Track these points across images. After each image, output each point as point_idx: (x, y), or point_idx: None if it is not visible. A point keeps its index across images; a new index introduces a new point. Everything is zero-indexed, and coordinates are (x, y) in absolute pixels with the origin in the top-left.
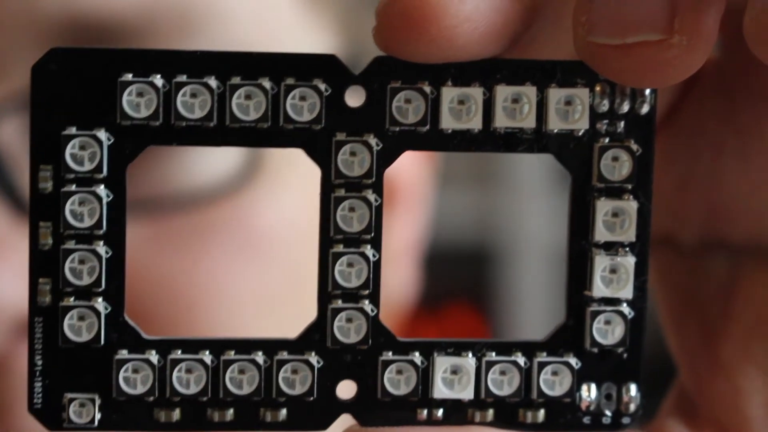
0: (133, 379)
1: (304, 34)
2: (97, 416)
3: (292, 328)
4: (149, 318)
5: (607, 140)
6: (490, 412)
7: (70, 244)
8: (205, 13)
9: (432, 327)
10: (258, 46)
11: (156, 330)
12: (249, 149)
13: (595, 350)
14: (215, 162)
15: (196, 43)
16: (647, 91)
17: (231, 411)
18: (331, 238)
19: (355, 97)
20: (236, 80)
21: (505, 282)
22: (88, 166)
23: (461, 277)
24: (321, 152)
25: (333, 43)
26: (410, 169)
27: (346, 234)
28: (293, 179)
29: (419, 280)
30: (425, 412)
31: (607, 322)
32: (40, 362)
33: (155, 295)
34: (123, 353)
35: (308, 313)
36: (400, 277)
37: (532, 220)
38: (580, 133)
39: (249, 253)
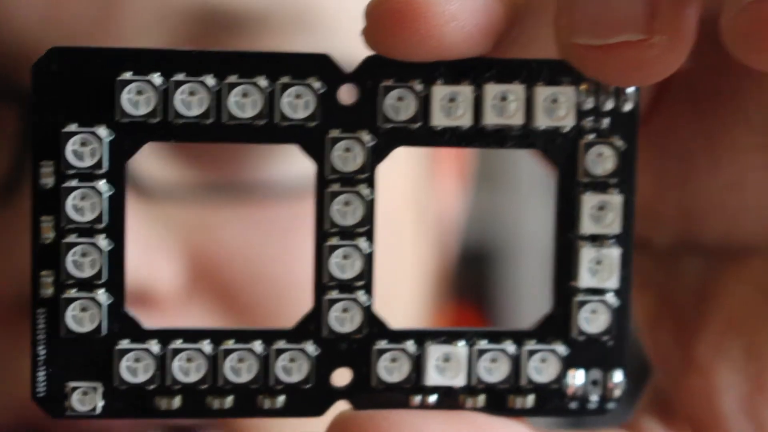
0: (135, 368)
1: None
2: (100, 404)
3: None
4: (247, 303)
5: (592, 136)
6: (481, 398)
7: (72, 238)
8: (321, 9)
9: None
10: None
11: (253, 316)
12: None
13: (582, 338)
14: None
15: (310, 40)
16: (630, 89)
17: (230, 398)
18: (326, 231)
19: (348, 95)
20: (233, 79)
21: (507, 281)
22: (88, 162)
23: (462, 276)
24: (316, 148)
25: None
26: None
27: (341, 227)
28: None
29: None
30: (418, 398)
31: (593, 311)
32: (43, 352)
33: (254, 282)
34: (124, 343)
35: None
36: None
37: (533, 220)
38: (566, 130)
39: None
